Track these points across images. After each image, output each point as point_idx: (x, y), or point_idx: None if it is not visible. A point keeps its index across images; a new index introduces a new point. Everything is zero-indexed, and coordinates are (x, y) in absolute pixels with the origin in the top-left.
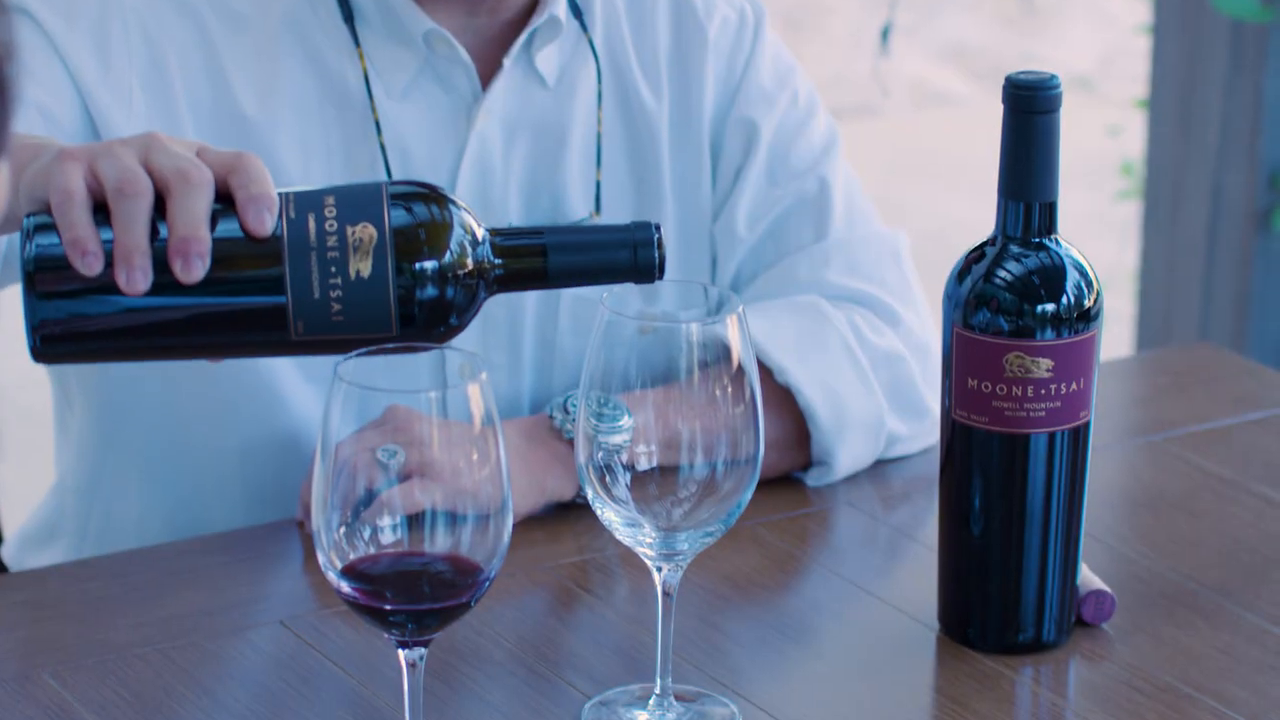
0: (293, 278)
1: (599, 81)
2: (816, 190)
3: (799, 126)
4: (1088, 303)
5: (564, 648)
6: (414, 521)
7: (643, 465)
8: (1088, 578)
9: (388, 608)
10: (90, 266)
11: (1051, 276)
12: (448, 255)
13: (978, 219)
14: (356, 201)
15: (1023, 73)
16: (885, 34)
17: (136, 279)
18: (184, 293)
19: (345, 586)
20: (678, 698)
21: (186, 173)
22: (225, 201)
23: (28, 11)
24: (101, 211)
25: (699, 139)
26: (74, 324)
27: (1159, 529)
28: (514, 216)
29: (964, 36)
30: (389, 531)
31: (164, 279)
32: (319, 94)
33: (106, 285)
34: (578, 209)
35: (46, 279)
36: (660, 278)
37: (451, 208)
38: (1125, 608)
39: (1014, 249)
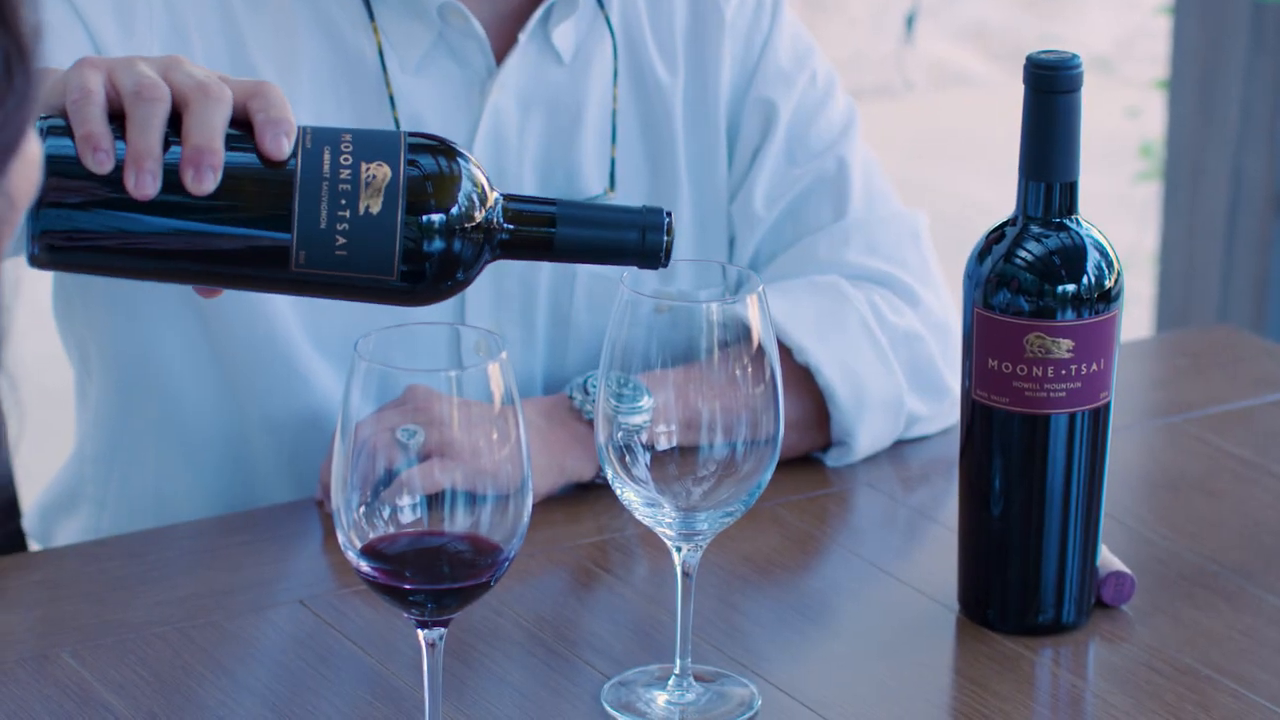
0: (301, 206)
1: (615, 59)
2: (835, 170)
3: (817, 106)
4: (1108, 283)
5: (583, 628)
6: (434, 501)
7: (662, 445)
8: (1107, 559)
9: (407, 587)
10: (100, 164)
11: (1072, 257)
12: (457, 208)
13: (997, 199)
14: (375, 143)
15: (1044, 52)
16: (910, 22)
17: (146, 182)
18: (190, 211)
19: (365, 566)
20: (697, 678)
21: (206, 86)
22: (243, 128)
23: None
24: (117, 120)
25: (715, 119)
26: (76, 233)
27: (1179, 510)
28: (528, 191)
29: (984, 17)
30: (408, 511)
31: (173, 193)
32: (334, 67)
33: (114, 195)
34: (592, 185)
35: (53, 184)
36: (665, 265)
37: (467, 164)
38: (1145, 589)
39: (1035, 229)
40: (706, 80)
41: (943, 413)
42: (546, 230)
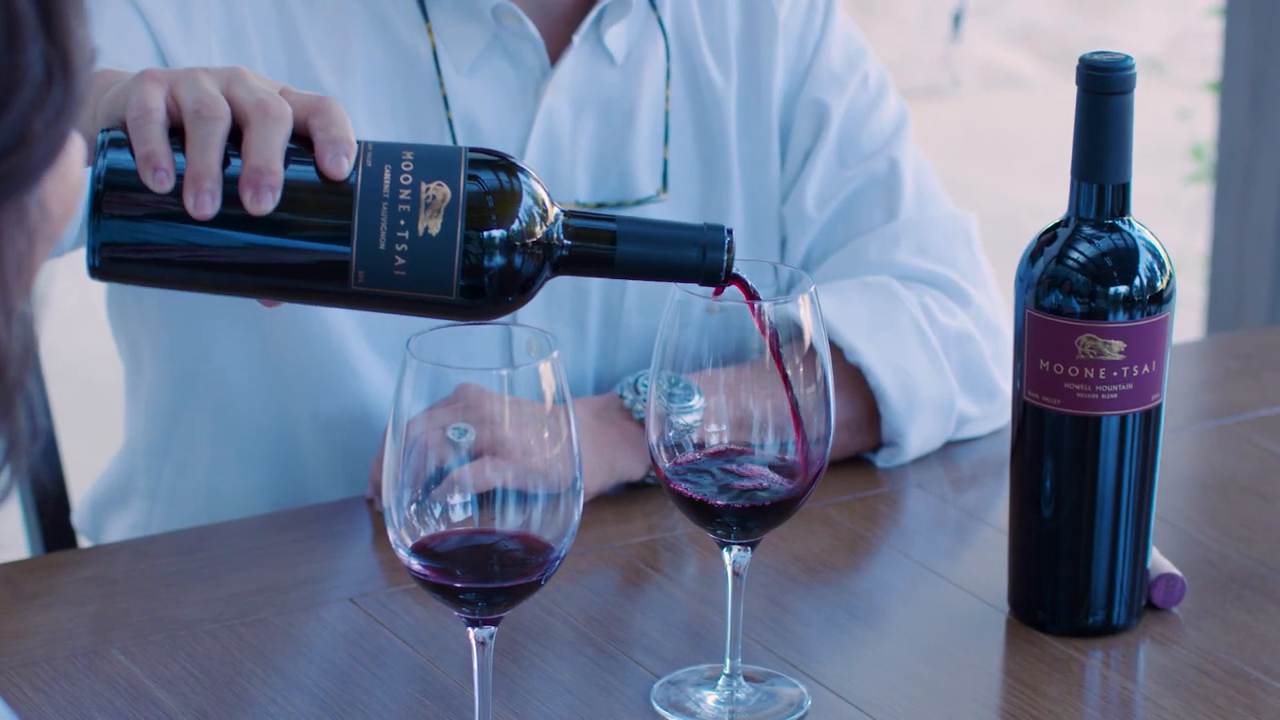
0: (361, 225)
1: (668, 60)
2: (886, 171)
3: (870, 108)
4: (1160, 285)
5: (633, 627)
6: (485, 500)
7: (714, 445)
8: (1158, 561)
9: (458, 585)
10: (160, 183)
11: (1124, 258)
12: (517, 225)
13: (1046, 201)
14: (435, 160)
15: (1097, 53)
16: (957, 21)
17: (204, 202)
18: (249, 227)
19: (415, 564)
20: (747, 678)
21: (266, 105)
22: (303, 144)
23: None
24: (178, 135)
25: (767, 120)
26: (136, 246)
27: (1229, 513)
28: (581, 193)
29: (1034, 18)
30: (459, 509)
31: (232, 210)
32: (389, 67)
33: (173, 209)
34: (644, 186)
35: (114, 198)
36: (726, 284)
37: (528, 180)
38: (1195, 591)
39: (1087, 230)
40: (759, 82)
41: (993, 414)
42: (607, 248)
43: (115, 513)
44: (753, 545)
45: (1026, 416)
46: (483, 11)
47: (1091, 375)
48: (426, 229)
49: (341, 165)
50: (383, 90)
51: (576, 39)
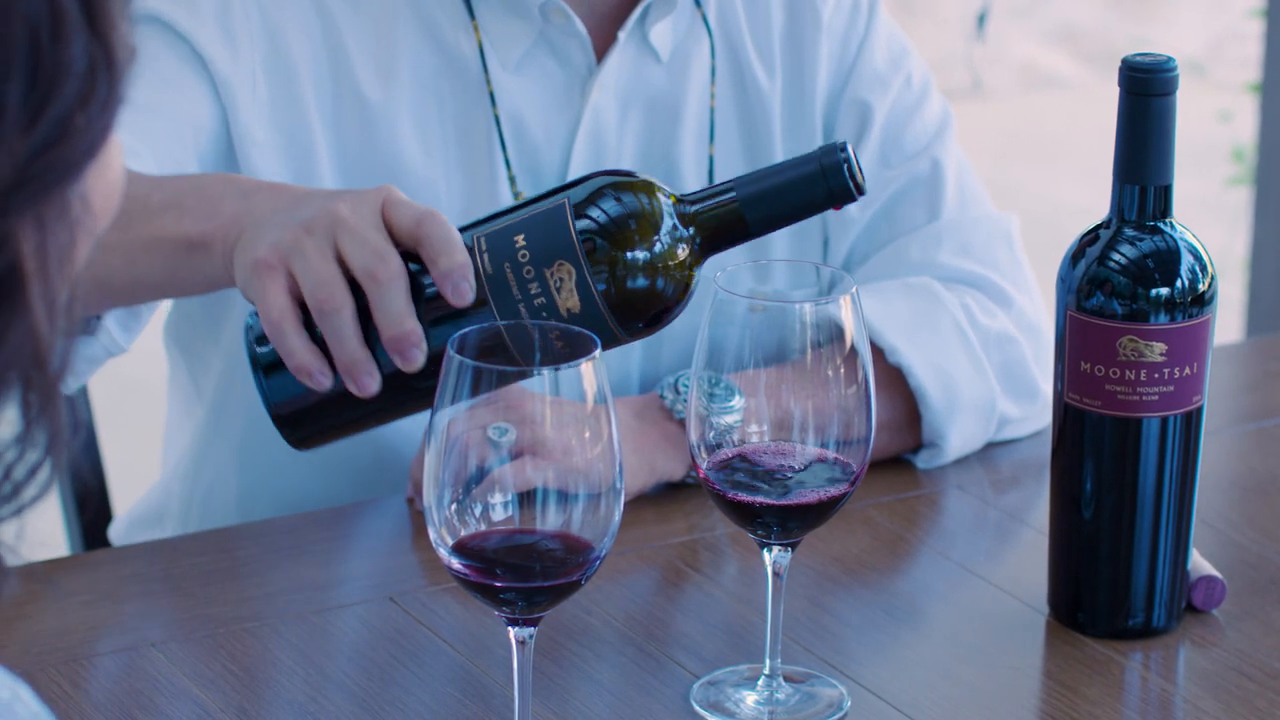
0: (511, 336)
1: (713, 57)
2: (929, 171)
3: (913, 109)
4: (1202, 287)
5: (673, 627)
6: (525, 499)
7: (754, 444)
8: (1198, 563)
9: (498, 585)
10: (319, 385)
11: (1166, 260)
12: (644, 253)
13: (1087, 202)
14: (545, 235)
15: (1139, 55)
16: (981, 21)
17: (366, 385)
18: (414, 376)
19: (456, 563)
20: (786, 678)
21: (375, 273)
22: (419, 261)
23: (157, 17)
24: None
25: (812, 119)
26: (323, 428)
27: (1270, 515)
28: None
29: (1074, 19)
30: (500, 509)
31: (390, 369)
32: (435, 67)
33: (341, 390)
34: (690, 185)
35: (279, 383)
36: (862, 194)
37: (632, 200)
38: (1235, 594)
39: (1128, 232)
40: (804, 82)
41: (1034, 415)
42: (736, 220)
43: (149, 532)
44: (793, 546)
45: (1067, 418)
46: (530, 9)
47: (1133, 377)
48: (569, 310)
49: (464, 293)
50: (430, 92)
51: (622, 36)
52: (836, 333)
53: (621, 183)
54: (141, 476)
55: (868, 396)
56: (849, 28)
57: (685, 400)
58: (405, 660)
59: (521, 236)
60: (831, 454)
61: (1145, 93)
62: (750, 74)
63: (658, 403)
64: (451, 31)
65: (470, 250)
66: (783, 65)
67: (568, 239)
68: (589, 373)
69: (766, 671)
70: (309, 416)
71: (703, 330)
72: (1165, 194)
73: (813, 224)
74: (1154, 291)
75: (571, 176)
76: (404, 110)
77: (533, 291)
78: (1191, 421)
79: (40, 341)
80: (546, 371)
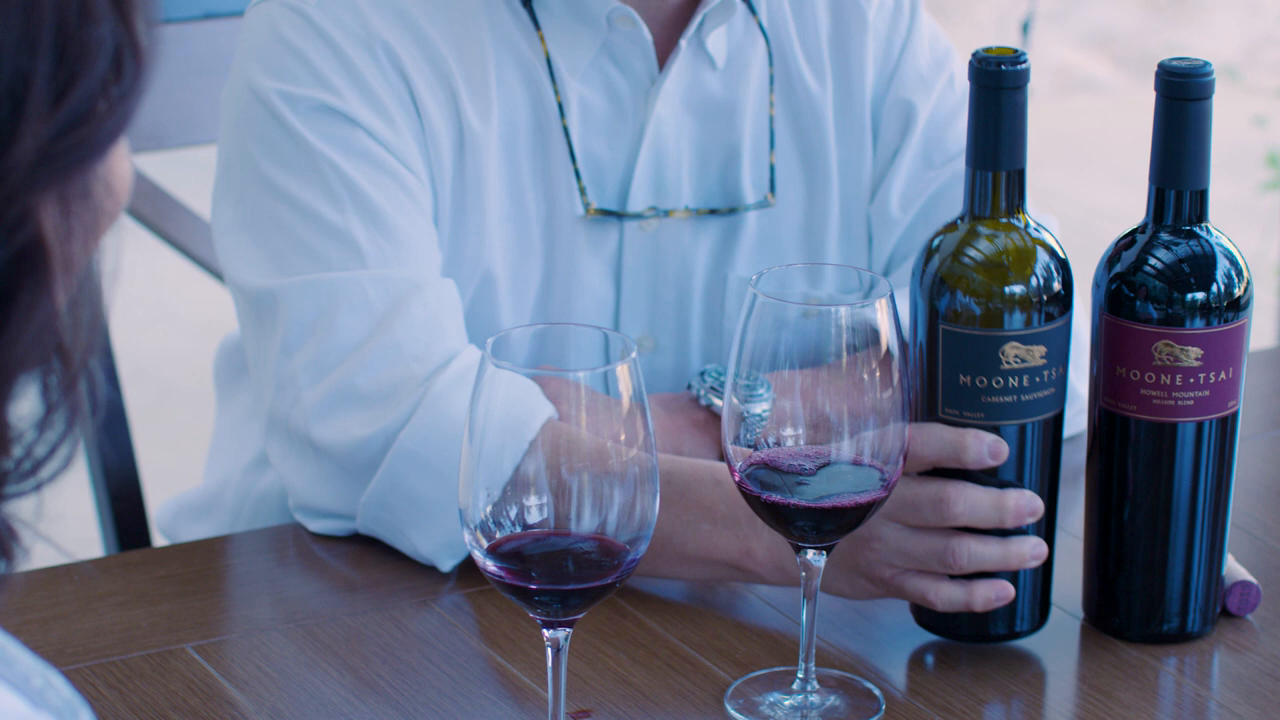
0: None
1: (770, 65)
2: None
3: (956, 109)
4: (1238, 291)
5: (707, 630)
6: (560, 501)
7: (789, 447)
8: (1233, 569)
9: (533, 587)
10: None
11: (1202, 265)
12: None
13: (1122, 206)
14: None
15: (1175, 59)
16: (1026, 27)
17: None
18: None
19: (491, 565)
20: (821, 682)
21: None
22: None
23: (351, 118)
24: None
25: (861, 122)
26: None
27: None
28: (687, 199)
29: (1109, 23)
30: (535, 511)
31: None
32: (515, 84)
33: None
34: (750, 192)
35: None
36: None
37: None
38: (1270, 599)
39: (1164, 236)
40: (852, 84)
41: (1069, 419)
42: None
43: (197, 523)
44: (828, 549)
45: (1102, 422)
46: (597, 16)
47: (1168, 382)
48: None
49: (1001, 452)
50: (515, 111)
51: (684, 43)
52: (872, 336)
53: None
54: (177, 478)
55: (903, 400)
56: (892, 28)
57: (712, 388)
58: (440, 662)
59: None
60: (866, 457)
61: (1182, 97)
62: (801, 82)
63: (686, 394)
64: (523, 45)
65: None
66: (832, 69)
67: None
68: (624, 375)
69: (801, 675)
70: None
71: (739, 332)
72: (1201, 198)
73: (860, 225)
74: (1189, 296)
75: (635, 186)
76: (494, 134)
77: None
78: (1227, 426)
79: (62, 322)
80: (584, 373)
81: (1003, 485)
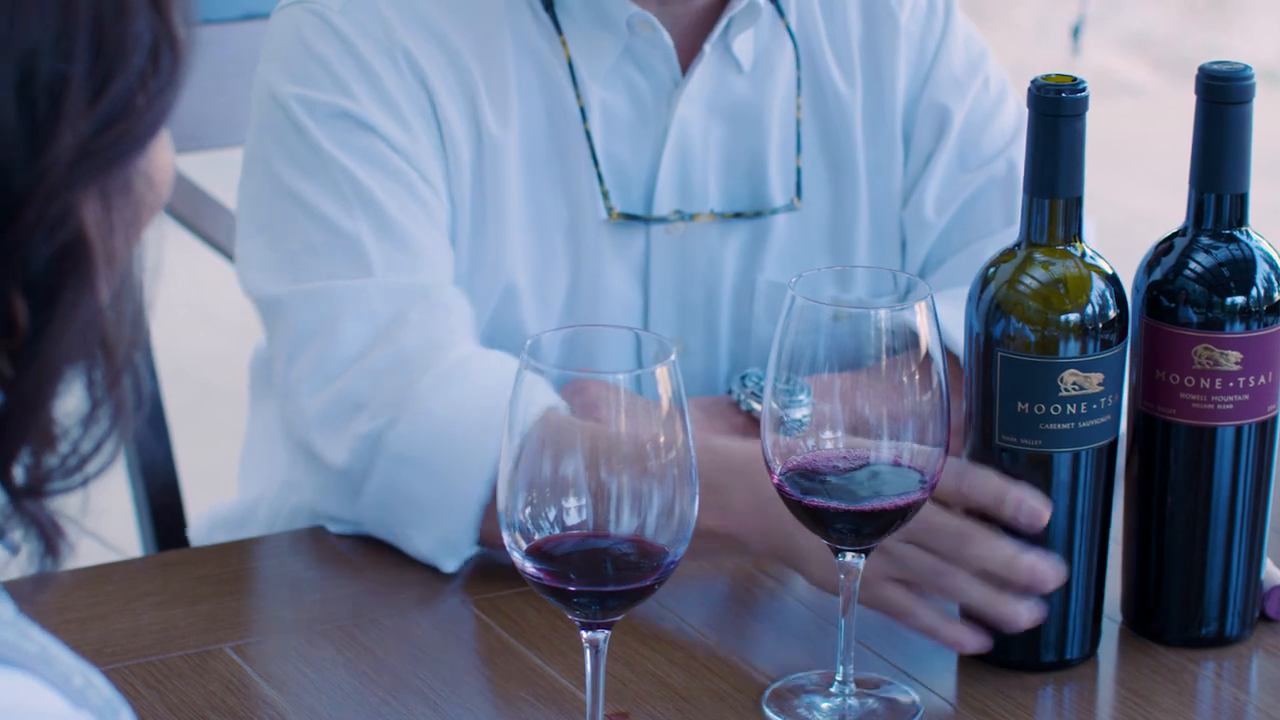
0: None
1: (798, 67)
2: (1005, 173)
3: (991, 111)
4: (1278, 295)
5: (745, 633)
6: (599, 503)
7: (828, 449)
8: (1271, 572)
9: (572, 589)
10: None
11: (1242, 268)
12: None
13: (1161, 210)
14: None
15: (1216, 63)
16: (1076, 32)
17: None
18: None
19: (530, 567)
20: (859, 684)
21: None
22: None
23: (368, 124)
24: None
25: (892, 126)
26: None
27: None
28: (714, 202)
29: (1148, 27)
30: (574, 513)
31: None
32: (537, 88)
33: None
34: (777, 195)
35: None
36: None
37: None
38: None
39: (1204, 240)
40: (883, 88)
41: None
42: None
43: (231, 535)
44: (866, 552)
45: (1141, 426)
46: (617, 21)
47: (1207, 385)
48: None
49: (1038, 517)
50: (535, 116)
51: (708, 47)
52: (911, 339)
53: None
54: (216, 479)
55: (943, 402)
56: (925, 31)
57: (752, 393)
58: (479, 663)
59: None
60: (906, 460)
61: (1222, 101)
62: (830, 83)
63: (725, 399)
64: (543, 46)
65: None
66: (862, 72)
67: None
68: (664, 377)
69: (840, 678)
70: None
71: (778, 336)
72: (1241, 202)
73: (892, 229)
74: (1229, 300)
75: (660, 190)
76: (514, 140)
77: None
78: (1266, 430)
79: (106, 317)
80: (624, 376)
81: (1032, 540)
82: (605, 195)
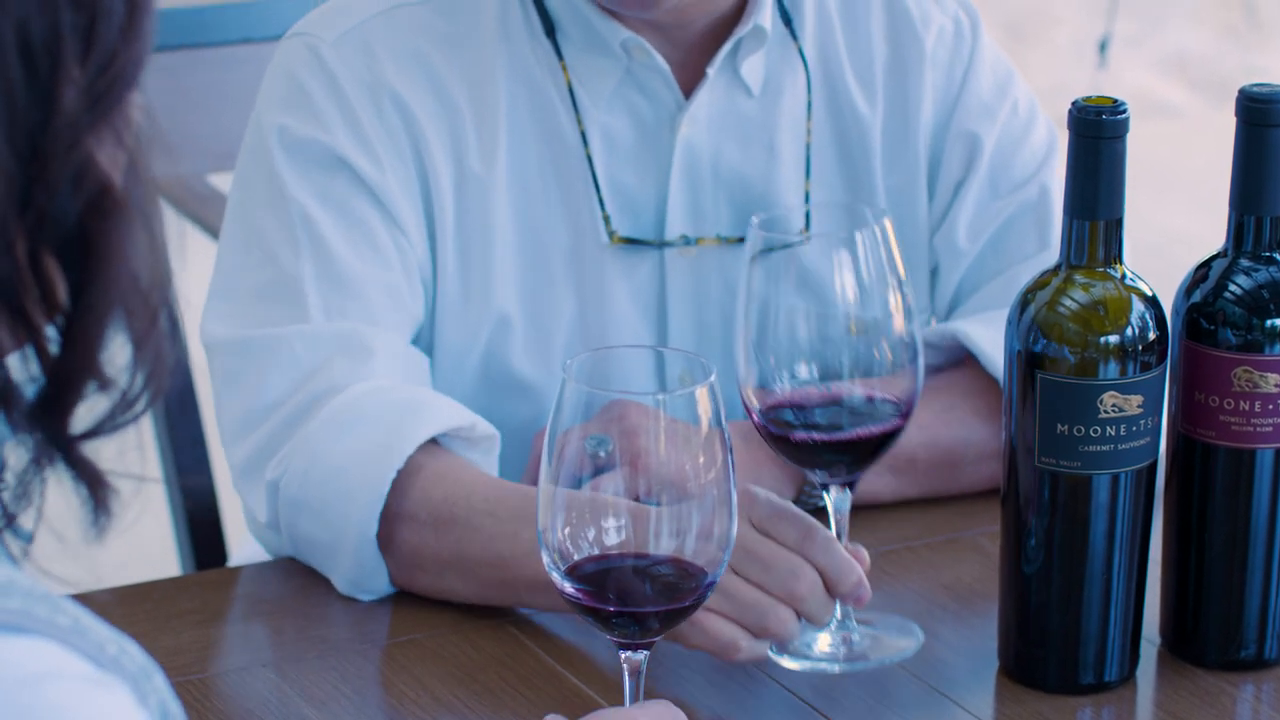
0: None
1: (809, 91)
2: (1038, 197)
3: (1021, 136)
4: None
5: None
6: (638, 523)
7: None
8: None
9: (610, 609)
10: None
11: None
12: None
13: (1199, 231)
14: None
15: (1256, 85)
16: (1103, 49)
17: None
18: None
19: (569, 587)
20: (860, 623)
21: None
22: None
23: (339, 157)
24: None
25: (915, 152)
26: None
27: None
28: (724, 227)
29: (1185, 48)
30: (613, 533)
31: None
32: (530, 110)
33: None
34: (789, 218)
35: None
36: None
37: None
38: None
39: (1244, 262)
40: (907, 113)
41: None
42: None
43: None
44: (850, 485)
45: (1180, 448)
46: (612, 46)
47: (1247, 408)
48: None
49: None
50: (528, 140)
51: (711, 71)
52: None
53: None
54: None
55: (910, 335)
56: (953, 57)
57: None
58: (516, 683)
59: None
60: (879, 393)
61: (1263, 123)
62: (850, 106)
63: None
64: (541, 72)
65: None
66: (885, 96)
67: None
68: (704, 398)
69: (838, 615)
70: None
71: (743, 297)
72: None
73: (917, 255)
74: (1269, 322)
75: (671, 213)
76: (501, 173)
77: None
78: None
79: (140, 259)
80: (663, 397)
81: (1071, 562)
82: (607, 220)
